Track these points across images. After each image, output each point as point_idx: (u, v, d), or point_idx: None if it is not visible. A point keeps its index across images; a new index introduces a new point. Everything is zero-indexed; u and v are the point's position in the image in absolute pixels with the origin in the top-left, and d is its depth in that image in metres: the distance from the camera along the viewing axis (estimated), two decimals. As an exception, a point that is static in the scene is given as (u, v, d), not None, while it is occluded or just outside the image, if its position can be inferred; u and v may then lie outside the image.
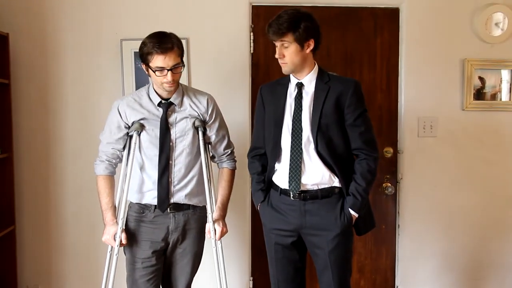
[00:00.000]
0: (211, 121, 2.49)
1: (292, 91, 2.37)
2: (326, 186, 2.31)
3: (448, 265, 3.31)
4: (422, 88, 3.21)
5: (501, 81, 3.24)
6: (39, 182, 3.14)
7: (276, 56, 2.29)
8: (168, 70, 2.29)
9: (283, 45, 2.24)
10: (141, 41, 2.36)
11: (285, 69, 2.31)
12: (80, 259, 3.19)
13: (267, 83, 2.55)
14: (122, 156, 2.48)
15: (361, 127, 2.30)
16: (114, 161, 2.47)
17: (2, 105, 2.98)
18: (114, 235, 2.38)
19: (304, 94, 2.34)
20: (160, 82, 2.33)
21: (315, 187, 2.31)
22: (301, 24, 2.21)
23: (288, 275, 2.44)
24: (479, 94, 3.23)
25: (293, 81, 2.37)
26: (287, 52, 2.25)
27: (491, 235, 3.32)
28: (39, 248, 3.17)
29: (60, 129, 3.13)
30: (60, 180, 3.15)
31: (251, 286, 3.27)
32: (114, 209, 2.43)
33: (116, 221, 2.40)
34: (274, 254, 2.43)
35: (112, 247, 2.41)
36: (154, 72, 2.30)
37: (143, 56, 2.32)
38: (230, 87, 3.12)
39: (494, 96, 3.24)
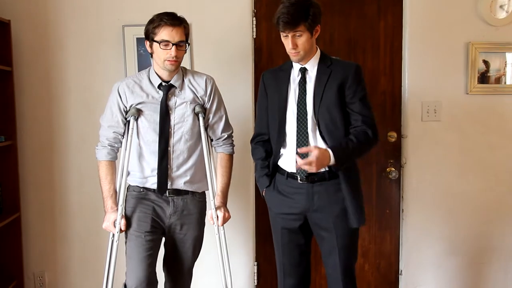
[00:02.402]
0: (210, 102, 2.47)
1: (295, 76, 2.37)
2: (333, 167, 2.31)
3: (452, 249, 3.32)
4: (426, 72, 3.19)
5: (505, 64, 3.21)
6: (43, 169, 3.15)
7: (289, 47, 2.25)
8: (173, 44, 2.29)
9: (295, 35, 2.23)
10: (144, 26, 2.36)
11: (297, 58, 2.31)
12: (85, 246, 3.20)
13: (269, 70, 2.56)
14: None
15: (362, 110, 2.30)
16: (116, 145, 2.47)
17: (5, 92, 2.98)
18: (114, 222, 2.39)
19: (308, 79, 2.34)
20: (163, 58, 2.32)
21: (323, 169, 2.30)
22: (310, 12, 2.21)
23: (294, 260, 2.45)
24: (484, 78, 3.20)
25: (296, 66, 2.37)
26: (300, 42, 2.25)
27: (495, 219, 3.32)
28: (45, 235, 3.19)
29: (63, 116, 3.13)
30: (64, 167, 3.16)
31: (255, 271, 3.28)
32: (115, 196, 2.43)
33: (117, 208, 2.40)
34: (281, 238, 2.44)
35: (113, 233, 2.42)
36: (159, 44, 2.29)
37: (149, 31, 2.32)
38: (233, 72, 3.11)
39: (498, 80, 3.22)
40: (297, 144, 2.31)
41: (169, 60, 2.31)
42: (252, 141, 2.58)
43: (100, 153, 2.45)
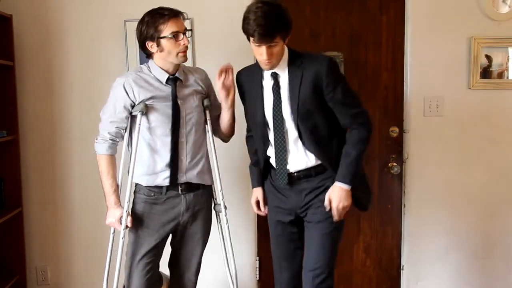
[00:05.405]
0: (211, 91, 2.53)
1: (268, 81, 2.29)
2: (316, 164, 2.31)
3: (453, 244, 3.32)
4: (428, 67, 3.18)
5: (508, 59, 3.20)
6: (46, 164, 3.16)
7: (264, 58, 2.13)
8: (183, 33, 2.29)
9: (271, 46, 2.10)
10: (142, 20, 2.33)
11: (269, 67, 2.20)
12: (87, 240, 3.21)
13: (241, 71, 2.46)
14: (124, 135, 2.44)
15: (346, 103, 2.23)
16: (117, 140, 2.42)
17: (6, 87, 2.99)
18: (120, 218, 2.35)
19: (281, 83, 2.26)
20: (176, 52, 2.31)
21: (309, 165, 2.30)
22: (286, 20, 2.11)
23: (288, 253, 2.46)
24: (486, 73, 3.19)
25: (266, 71, 2.28)
26: (275, 51, 2.13)
27: (497, 214, 3.31)
28: (47, 229, 3.20)
29: (65, 111, 3.13)
30: (66, 161, 3.16)
31: (257, 266, 3.29)
32: (118, 191, 2.41)
33: (121, 204, 2.38)
34: (275, 230, 2.47)
35: (115, 229, 2.40)
36: (171, 38, 2.27)
37: (150, 31, 2.28)
38: (235, 67, 3.08)
39: (501, 75, 3.21)
40: (276, 154, 2.30)
41: (182, 52, 2.31)
42: (246, 133, 2.60)
43: (100, 147, 2.40)
